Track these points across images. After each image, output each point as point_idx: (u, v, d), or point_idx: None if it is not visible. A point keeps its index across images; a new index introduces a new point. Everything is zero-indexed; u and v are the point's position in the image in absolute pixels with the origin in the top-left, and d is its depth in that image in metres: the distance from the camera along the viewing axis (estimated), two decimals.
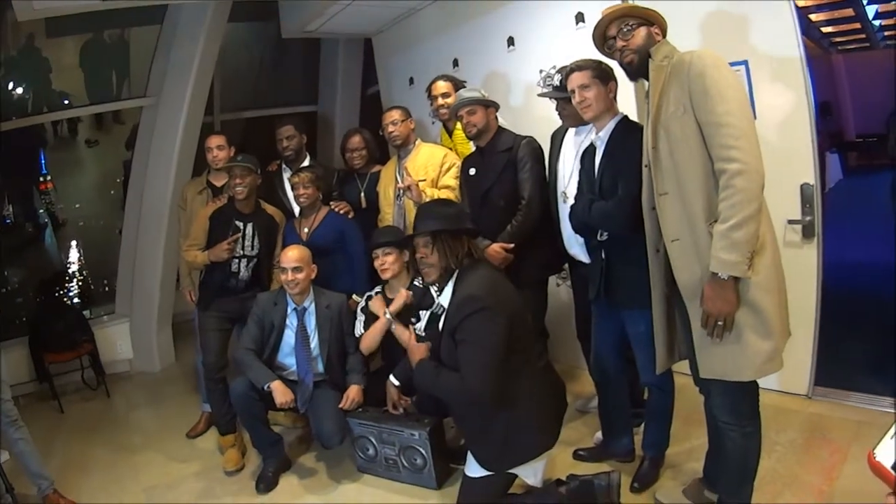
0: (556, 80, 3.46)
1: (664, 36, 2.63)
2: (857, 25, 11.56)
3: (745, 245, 2.24)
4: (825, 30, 11.92)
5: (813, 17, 10.35)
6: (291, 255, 3.70)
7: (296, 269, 3.68)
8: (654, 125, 2.49)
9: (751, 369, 2.35)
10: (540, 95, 3.64)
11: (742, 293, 2.31)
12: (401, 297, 3.73)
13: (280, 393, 3.54)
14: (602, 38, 2.71)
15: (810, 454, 3.24)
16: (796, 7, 3.52)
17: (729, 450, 2.55)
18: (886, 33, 12.63)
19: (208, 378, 4.07)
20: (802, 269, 3.51)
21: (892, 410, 3.46)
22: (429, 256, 2.86)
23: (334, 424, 3.57)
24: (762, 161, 2.25)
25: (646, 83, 2.64)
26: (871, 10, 10.40)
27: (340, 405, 3.61)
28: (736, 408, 2.49)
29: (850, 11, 10.30)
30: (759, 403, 2.54)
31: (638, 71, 2.61)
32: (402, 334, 3.67)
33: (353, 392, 3.66)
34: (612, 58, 2.72)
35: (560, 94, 3.39)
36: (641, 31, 2.58)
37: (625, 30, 2.60)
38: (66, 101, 6.09)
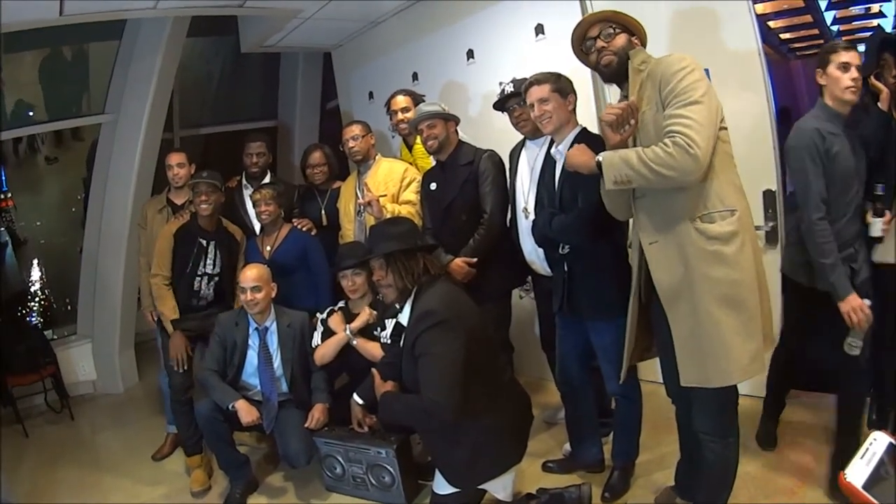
0: (508, 89, 3.49)
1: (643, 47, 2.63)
2: (816, 31, 11.70)
3: (628, 171, 2.30)
4: (784, 36, 12.07)
5: (772, 24, 10.46)
6: (250, 275, 3.65)
7: (255, 289, 3.62)
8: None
9: (737, 372, 2.31)
10: (494, 107, 3.63)
11: (726, 293, 2.29)
12: (364, 314, 3.70)
13: (245, 412, 3.48)
14: (581, 38, 2.66)
15: (780, 457, 3.28)
16: (756, 15, 3.56)
17: (710, 461, 2.51)
18: (844, 38, 12.82)
19: (174, 399, 3.99)
20: (766, 274, 3.53)
21: None
22: (385, 278, 2.84)
23: (300, 444, 3.53)
24: (703, 165, 2.23)
25: (618, 92, 2.65)
26: (829, 16, 10.57)
27: (306, 424, 3.56)
28: (718, 420, 2.46)
29: (808, 18, 10.44)
30: (738, 414, 2.52)
31: (614, 74, 2.58)
32: (368, 347, 3.63)
33: (318, 411, 3.60)
34: (585, 60, 2.68)
35: (510, 99, 3.46)
36: (622, 37, 2.55)
37: (607, 31, 2.56)
38: (31, 113, 5.95)
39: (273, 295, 3.74)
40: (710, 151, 2.23)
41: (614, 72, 2.57)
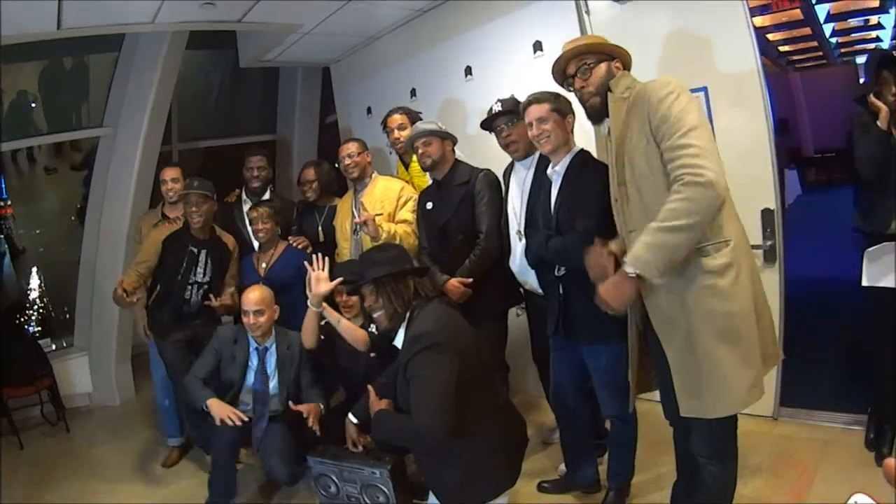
0: (496, 108, 3.47)
1: (627, 69, 2.60)
2: (815, 44, 11.75)
3: (666, 251, 2.20)
4: (782, 48, 12.11)
5: (770, 36, 10.51)
6: (253, 298, 3.63)
7: (258, 312, 3.61)
8: (618, 160, 2.46)
9: (736, 402, 2.30)
10: (482, 126, 3.61)
11: (722, 326, 2.27)
12: (321, 281, 3.41)
13: (217, 409, 3.44)
14: (562, 74, 2.66)
15: (779, 477, 3.26)
16: (755, 29, 3.55)
17: (707, 484, 2.49)
18: (843, 50, 12.87)
19: (189, 410, 3.97)
20: (765, 291, 3.53)
21: (857, 427, 3.48)
22: (376, 303, 2.84)
23: (281, 459, 3.53)
24: (724, 181, 2.19)
25: (608, 123, 2.59)
26: (827, 29, 10.60)
27: (310, 424, 3.49)
28: (716, 443, 2.45)
29: (807, 30, 10.48)
30: (737, 435, 2.50)
31: (600, 112, 2.56)
32: (351, 330, 3.46)
33: (311, 408, 3.54)
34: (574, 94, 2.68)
35: (498, 118, 3.44)
36: (601, 69, 2.54)
37: (584, 68, 2.55)
38: (33, 105, 5.92)
39: (275, 318, 3.72)
40: (721, 170, 2.19)
41: (599, 111, 2.56)
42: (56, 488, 4.26)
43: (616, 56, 2.59)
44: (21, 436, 5.05)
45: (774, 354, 2.47)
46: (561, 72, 2.66)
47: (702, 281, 2.28)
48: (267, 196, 4.58)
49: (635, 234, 2.42)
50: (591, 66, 2.55)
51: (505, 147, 3.48)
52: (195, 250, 4.09)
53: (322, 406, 3.63)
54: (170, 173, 4.49)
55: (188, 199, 4.02)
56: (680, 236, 2.18)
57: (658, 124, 2.27)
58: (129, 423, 5.46)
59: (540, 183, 3.15)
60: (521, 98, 3.16)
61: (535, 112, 2.92)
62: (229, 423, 3.43)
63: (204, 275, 4.13)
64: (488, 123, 3.53)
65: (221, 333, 3.80)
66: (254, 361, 3.72)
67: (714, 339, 2.27)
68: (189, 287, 4.10)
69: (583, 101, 2.61)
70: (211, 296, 4.12)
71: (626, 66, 2.61)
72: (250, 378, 3.72)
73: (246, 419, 3.49)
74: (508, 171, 3.57)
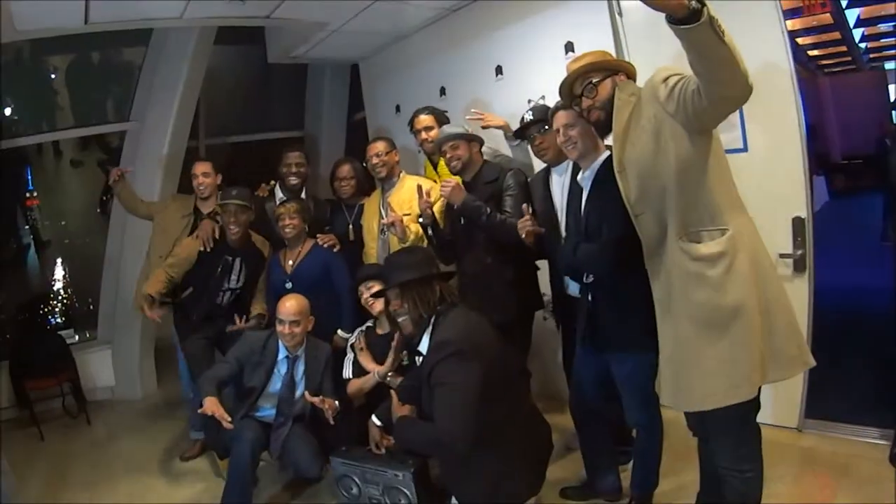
0: (527, 117, 3.48)
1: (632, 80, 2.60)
2: (844, 48, 11.67)
3: (725, 36, 2.00)
4: (812, 53, 12.02)
5: (800, 40, 10.44)
6: (290, 308, 3.59)
7: (294, 323, 3.58)
8: (620, 149, 2.46)
9: (710, 398, 2.28)
10: (515, 135, 3.64)
11: (705, 317, 2.26)
12: (391, 357, 3.59)
13: (209, 404, 3.30)
14: (569, 94, 2.66)
15: (800, 490, 3.22)
16: (788, 33, 3.50)
17: (728, 495, 2.46)
18: (872, 55, 12.75)
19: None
20: (793, 302, 3.46)
21: (883, 442, 3.42)
22: (401, 307, 2.85)
23: (310, 454, 3.55)
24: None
25: None
26: (857, 33, 10.52)
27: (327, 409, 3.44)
28: (735, 452, 2.41)
29: (837, 35, 10.40)
30: (760, 446, 2.47)
31: (605, 126, 2.56)
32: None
33: (329, 402, 3.47)
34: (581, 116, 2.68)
35: (531, 126, 3.47)
36: (606, 85, 2.54)
37: (589, 87, 2.55)
38: (54, 76, 5.99)
39: (310, 328, 3.70)
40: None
41: (605, 125, 2.56)
42: (75, 480, 4.29)
43: (621, 70, 2.59)
44: (42, 427, 5.11)
45: (801, 361, 2.41)
46: (568, 92, 2.66)
47: (690, 268, 2.28)
48: (303, 196, 4.55)
49: (643, 217, 2.43)
50: (596, 84, 2.55)
51: (538, 154, 3.50)
52: (230, 259, 4.11)
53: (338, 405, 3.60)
54: (201, 168, 4.47)
55: (227, 209, 4.02)
56: (730, 45, 2.04)
57: (672, 88, 2.24)
58: (150, 417, 5.50)
59: (573, 189, 3.11)
60: (552, 100, 3.12)
61: (562, 118, 2.87)
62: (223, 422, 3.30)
63: (238, 281, 4.16)
64: (521, 132, 3.53)
65: (250, 340, 3.76)
66: (282, 369, 3.69)
67: (696, 329, 2.28)
68: (221, 293, 4.14)
69: (589, 120, 2.61)
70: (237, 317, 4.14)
71: (631, 77, 2.61)
72: (277, 384, 3.68)
73: (231, 426, 3.36)
74: (544, 178, 3.55)
